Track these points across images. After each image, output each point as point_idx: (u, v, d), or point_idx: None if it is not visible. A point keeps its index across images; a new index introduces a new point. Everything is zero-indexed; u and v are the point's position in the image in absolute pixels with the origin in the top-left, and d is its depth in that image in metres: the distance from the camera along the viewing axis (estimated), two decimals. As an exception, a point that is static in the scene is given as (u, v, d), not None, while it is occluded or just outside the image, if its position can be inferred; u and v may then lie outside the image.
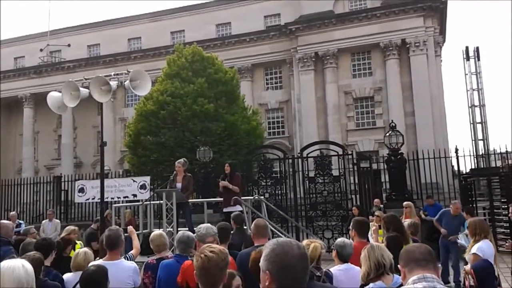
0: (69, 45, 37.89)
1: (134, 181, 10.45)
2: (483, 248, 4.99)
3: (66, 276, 4.45)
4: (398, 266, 2.50)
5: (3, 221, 6.58)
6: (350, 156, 14.58)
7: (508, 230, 12.33)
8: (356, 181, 14.67)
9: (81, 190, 10.68)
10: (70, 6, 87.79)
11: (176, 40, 33.83)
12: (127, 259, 4.73)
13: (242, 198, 9.09)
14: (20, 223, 12.70)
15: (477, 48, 31.78)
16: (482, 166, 18.41)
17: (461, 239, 8.94)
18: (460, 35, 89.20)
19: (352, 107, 29.75)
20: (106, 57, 35.49)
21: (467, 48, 32.23)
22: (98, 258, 4.87)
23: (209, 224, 4.82)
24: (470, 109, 31.84)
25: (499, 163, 18.26)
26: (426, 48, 28.07)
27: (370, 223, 6.78)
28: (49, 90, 13.20)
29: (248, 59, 31.94)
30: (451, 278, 9.29)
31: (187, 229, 7.25)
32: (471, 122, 31.56)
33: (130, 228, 6.08)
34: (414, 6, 28.07)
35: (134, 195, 10.19)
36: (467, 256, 5.28)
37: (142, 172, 19.54)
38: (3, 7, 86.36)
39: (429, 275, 2.24)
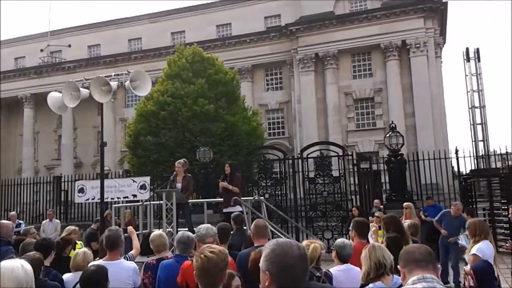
0: (69, 46, 37.92)
1: (134, 181, 10.44)
2: (483, 248, 4.99)
3: (66, 276, 4.46)
4: (398, 266, 2.50)
5: (3, 221, 6.58)
6: (350, 157, 14.58)
7: (508, 231, 12.34)
8: (356, 182, 14.67)
9: (81, 190, 10.68)
10: (71, 6, 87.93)
11: (176, 41, 33.86)
12: (127, 259, 4.73)
13: (242, 198, 9.09)
14: (20, 223, 12.69)
15: (478, 49, 31.83)
16: (482, 167, 18.43)
17: (462, 240, 8.96)
18: (460, 36, 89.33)
19: (352, 108, 29.76)
20: (107, 58, 35.51)
21: (467, 49, 32.29)
22: (98, 258, 4.88)
23: (209, 225, 4.82)
24: (470, 110, 31.89)
25: (499, 164, 18.29)
26: (427, 49, 28.08)
27: (370, 224, 6.77)
28: (49, 90, 13.23)
29: (248, 60, 31.95)
30: (450, 278, 9.29)
31: (187, 229, 7.25)
32: (471, 123, 31.61)
33: (130, 228, 6.08)
34: (415, 7, 28.08)
35: (134, 196, 10.19)
36: (467, 256, 5.28)
37: (142, 172, 19.54)
38: (3, 7, 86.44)
39: (428, 276, 2.24)
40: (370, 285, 3.39)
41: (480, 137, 31.02)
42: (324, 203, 14.19)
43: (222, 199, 9.46)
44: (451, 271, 9.38)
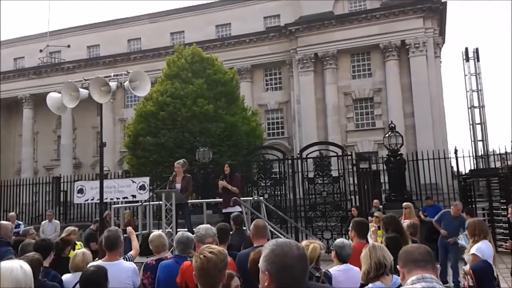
0: (68, 46, 37.91)
1: (133, 181, 10.42)
2: (482, 248, 5.00)
3: (65, 277, 4.45)
4: (397, 266, 2.50)
5: (2, 222, 6.58)
6: (349, 157, 14.59)
7: (508, 231, 12.34)
8: (356, 182, 14.67)
9: (80, 190, 10.66)
10: (70, 6, 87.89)
11: (175, 41, 33.84)
12: (126, 260, 4.73)
13: (242, 198, 9.09)
14: (19, 224, 12.69)
15: (477, 49, 31.97)
16: (481, 167, 18.46)
17: (462, 240, 8.96)
18: (459, 36, 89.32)
19: (352, 108, 29.76)
20: (106, 58, 35.50)
21: (466, 49, 32.45)
22: (97, 258, 4.88)
23: (208, 225, 4.82)
24: (469, 110, 32.00)
25: (498, 164, 18.29)
26: (426, 49, 28.08)
27: (370, 224, 6.78)
28: (48, 90, 13.21)
29: (247, 60, 31.95)
30: (450, 278, 9.30)
31: (186, 229, 7.25)
32: (471, 123, 31.71)
33: (129, 229, 6.07)
34: (414, 7, 28.09)
35: (133, 196, 10.17)
36: (466, 256, 5.29)
37: (142, 172, 19.54)
38: (3, 8, 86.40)
39: (428, 276, 2.25)
40: (370, 285, 3.39)
41: (479, 137, 31.13)
42: (323, 203, 14.20)
43: (221, 200, 9.46)
44: (450, 271, 9.39)
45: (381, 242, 4.78)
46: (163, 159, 21.05)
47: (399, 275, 2.56)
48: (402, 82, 28.29)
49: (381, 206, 12.99)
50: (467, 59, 32.21)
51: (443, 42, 32.71)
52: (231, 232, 5.65)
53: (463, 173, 16.86)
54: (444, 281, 8.84)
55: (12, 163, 38.49)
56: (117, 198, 10.33)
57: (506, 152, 15.61)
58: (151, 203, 10.11)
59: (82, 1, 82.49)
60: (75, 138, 37.11)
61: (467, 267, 5.03)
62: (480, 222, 5.57)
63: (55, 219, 13.75)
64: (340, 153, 14.32)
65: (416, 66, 27.93)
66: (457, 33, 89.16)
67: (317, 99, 29.81)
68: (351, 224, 5.39)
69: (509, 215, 10.73)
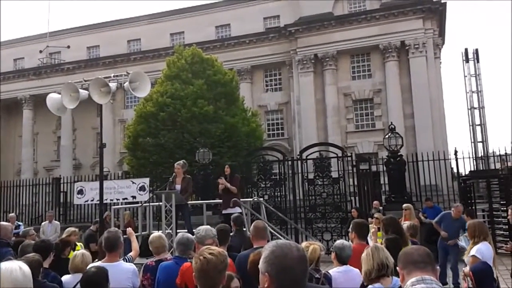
0: (68, 47, 37.92)
1: (133, 182, 10.44)
2: (482, 250, 4.99)
3: (65, 278, 4.45)
4: (397, 268, 2.50)
5: (2, 222, 6.57)
6: (349, 158, 14.58)
7: (507, 232, 12.33)
8: (356, 183, 14.67)
9: (80, 191, 10.68)
10: (70, 7, 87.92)
11: (175, 42, 33.85)
12: (126, 261, 4.73)
13: (241, 200, 9.09)
14: (19, 225, 12.67)
15: (477, 50, 32.00)
16: (481, 168, 18.46)
17: (462, 241, 8.96)
18: (459, 37, 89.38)
19: (352, 109, 29.76)
20: (106, 59, 35.51)
21: (466, 50, 32.47)
22: (97, 260, 4.87)
23: (208, 226, 4.82)
24: (469, 111, 32.01)
25: (498, 165, 18.27)
26: (426, 50, 28.10)
27: (370, 225, 6.77)
28: (48, 91, 13.17)
29: (247, 61, 31.96)
30: (449, 280, 9.29)
31: (186, 231, 7.25)
32: (471, 124, 31.72)
33: (129, 230, 6.07)
34: (413, 8, 28.11)
35: (133, 197, 10.19)
36: (466, 258, 5.28)
37: (141, 173, 19.54)
38: (3, 8, 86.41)
39: (427, 277, 2.25)
40: (369, 286, 3.38)
41: (479, 138, 31.14)
42: (323, 204, 14.20)
43: (221, 201, 9.46)
44: (450, 273, 9.38)
45: (381, 244, 4.79)
46: (163, 160, 21.04)
47: (398, 277, 2.56)
48: (402, 83, 28.30)
49: (381, 208, 12.98)
50: (466, 60, 32.23)
51: (443, 43, 32.74)
52: (231, 234, 5.65)
53: (463, 174, 16.86)
54: (444, 283, 8.83)
55: (12, 164, 38.48)
56: (117, 199, 10.35)
57: (506, 153, 15.62)
58: (151, 204, 10.10)
59: (82, 1, 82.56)
60: (75, 139, 37.10)
61: (467, 269, 5.02)
62: (480, 223, 5.57)
63: (55, 220, 13.76)
64: (340, 154, 14.32)
65: (416, 67, 27.95)
66: (457, 34, 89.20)
67: (317, 100, 29.82)
68: (351, 226, 5.38)
69: (509, 217, 10.71)
